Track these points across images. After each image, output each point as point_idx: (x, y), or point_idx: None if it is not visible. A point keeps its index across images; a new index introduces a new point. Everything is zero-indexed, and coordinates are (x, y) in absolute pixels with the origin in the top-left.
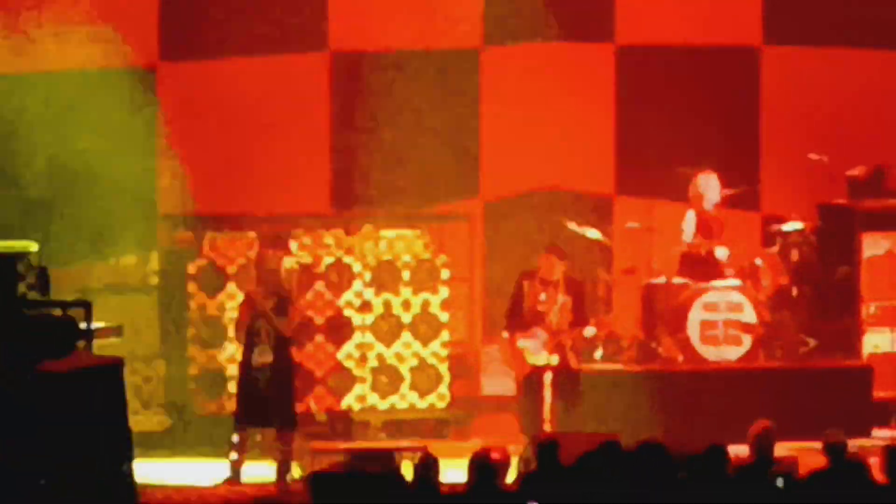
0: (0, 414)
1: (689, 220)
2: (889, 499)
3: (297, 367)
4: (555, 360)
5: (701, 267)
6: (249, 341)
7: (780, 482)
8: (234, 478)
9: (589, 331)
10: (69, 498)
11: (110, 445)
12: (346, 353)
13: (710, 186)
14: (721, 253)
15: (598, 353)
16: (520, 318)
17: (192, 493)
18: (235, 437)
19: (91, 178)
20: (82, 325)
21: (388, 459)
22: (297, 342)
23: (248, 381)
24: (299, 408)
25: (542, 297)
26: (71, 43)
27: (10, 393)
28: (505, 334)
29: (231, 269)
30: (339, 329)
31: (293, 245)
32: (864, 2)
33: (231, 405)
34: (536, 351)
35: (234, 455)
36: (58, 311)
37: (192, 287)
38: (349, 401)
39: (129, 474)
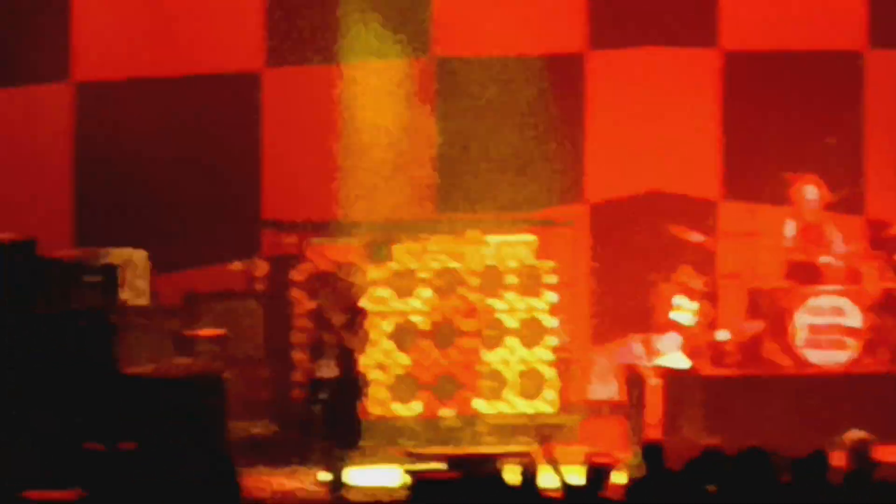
0: (100, 416)
1: (792, 225)
2: None
3: (364, 380)
4: (688, 363)
5: (805, 271)
6: (315, 354)
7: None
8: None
9: (722, 334)
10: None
11: (211, 451)
12: (452, 358)
13: (812, 191)
14: (825, 257)
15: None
16: (650, 321)
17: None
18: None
19: (196, 184)
20: (187, 332)
21: (491, 465)
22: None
23: (311, 395)
24: (405, 413)
25: (677, 300)
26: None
27: (110, 396)
28: (636, 336)
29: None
30: (444, 334)
31: (397, 250)
32: None
33: None
34: (671, 354)
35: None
36: (163, 317)
37: (296, 292)
38: (455, 406)
39: (232, 479)
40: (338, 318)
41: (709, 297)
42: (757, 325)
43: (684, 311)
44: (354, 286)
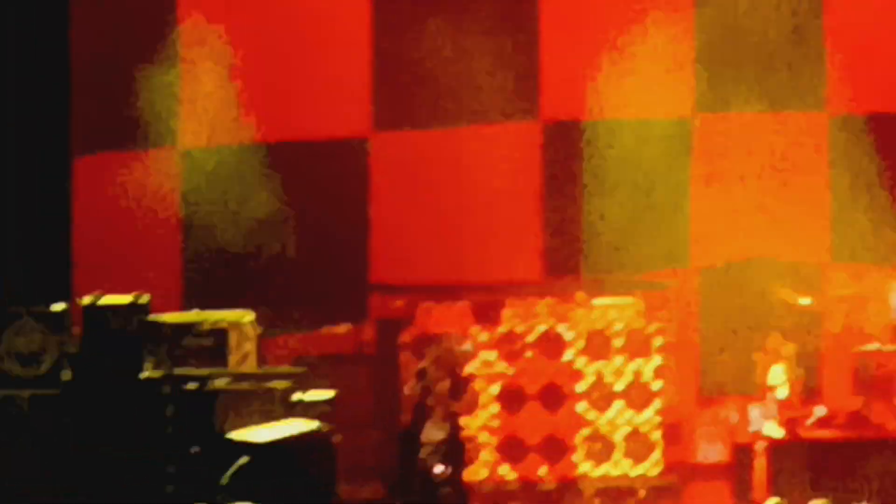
0: (209, 482)
1: None
2: None
3: (466, 444)
4: (780, 433)
5: None
6: (418, 417)
7: None
8: None
9: (820, 410)
10: None
11: None
12: (559, 421)
13: None
14: None
15: (810, 421)
16: (750, 387)
17: None
18: None
19: (305, 248)
20: (296, 396)
21: None
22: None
23: (414, 456)
24: (512, 475)
25: (775, 368)
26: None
27: (219, 461)
28: (741, 400)
29: (470, 347)
30: (553, 397)
31: (505, 313)
32: None
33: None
34: (765, 420)
35: None
36: (273, 382)
37: (404, 356)
38: (560, 468)
39: None
40: (443, 383)
41: (806, 363)
42: (823, 410)
43: (781, 380)
44: (460, 352)
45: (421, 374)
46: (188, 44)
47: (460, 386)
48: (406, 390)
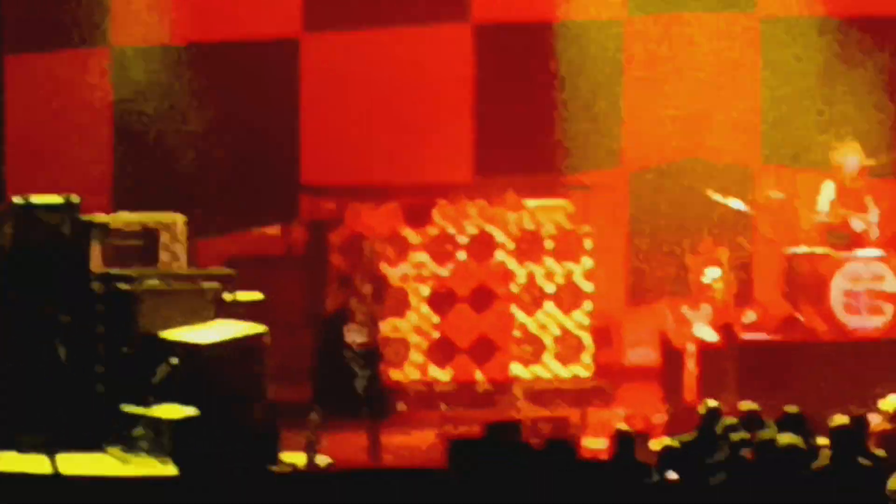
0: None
1: (828, 190)
2: None
3: (383, 350)
4: (714, 336)
5: (842, 237)
6: (341, 322)
7: None
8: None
9: (749, 316)
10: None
11: (250, 413)
12: (489, 322)
13: (850, 157)
14: (861, 223)
15: (743, 324)
16: (683, 289)
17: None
18: (314, 415)
19: (236, 149)
20: (226, 296)
21: (526, 429)
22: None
23: (338, 361)
24: (443, 377)
25: (709, 272)
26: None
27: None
28: (673, 301)
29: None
30: (482, 299)
31: (436, 215)
32: None
33: None
34: (700, 324)
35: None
36: (203, 283)
37: (335, 257)
38: (491, 370)
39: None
40: (365, 287)
41: (742, 269)
42: (753, 316)
43: (715, 282)
44: (376, 259)
45: (343, 279)
46: None
47: (383, 290)
48: (328, 294)
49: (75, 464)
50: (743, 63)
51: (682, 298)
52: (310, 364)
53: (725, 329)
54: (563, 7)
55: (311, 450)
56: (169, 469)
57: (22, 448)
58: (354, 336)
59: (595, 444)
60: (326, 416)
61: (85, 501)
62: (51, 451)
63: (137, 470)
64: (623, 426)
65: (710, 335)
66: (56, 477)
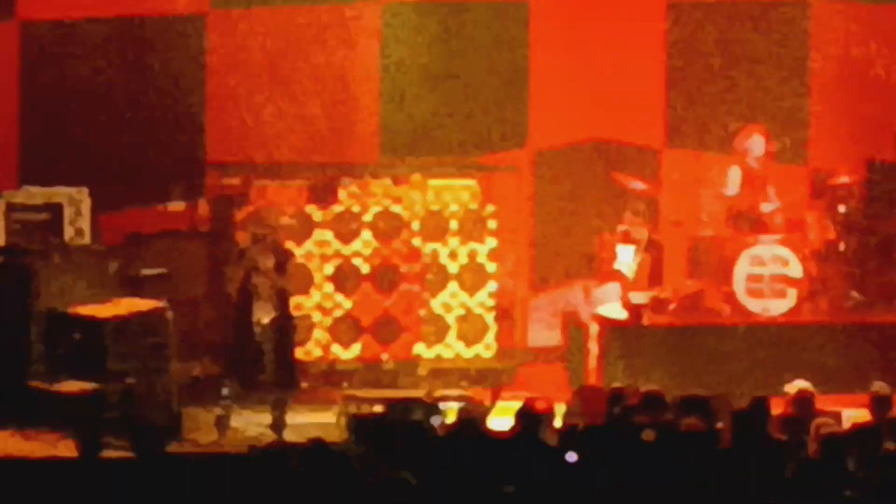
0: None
1: (735, 174)
2: None
3: (297, 322)
4: (624, 314)
5: (747, 221)
6: (245, 298)
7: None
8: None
9: (664, 292)
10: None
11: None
12: (393, 301)
13: (755, 140)
14: (767, 207)
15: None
16: (592, 269)
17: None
18: (226, 391)
19: (141, 124)
20: (130, 271)
21: (429, 408)
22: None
23: (247, 338)
24: (346, 355)
25: (621, 250)
26: None
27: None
28: (577, 284)
29: (279, 217)
30: (386, 278)
31: (341, 193)
32: None
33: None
34: (610, 303)
35: (223, 408)
36: (106, 257)
37: (239, 234)
38: (394, 349)
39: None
40: (267, 261)
41: (652, 248)
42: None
43: (625, 261)
44: (276, 230)
45: (241, 254)
46: None
47: (285, 262)
48: (227, 272)
49: None
50: (649, 44)
51: (592, 278)
52: (216, 339)
53: (634, 308)
54: None
55: (221, 426)
56: (70, 447)
57: None
58: (260, 312)
59: (498, 423)
60: (236, 392)
61: None
62: None
63: (41, 449)
64: (526, 406)
65: (619, 313)
66: None
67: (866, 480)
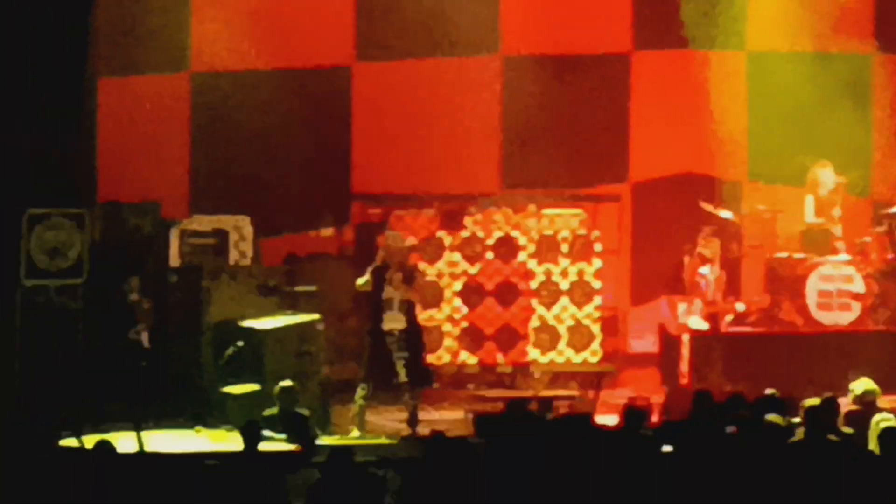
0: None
1: (809, 203)
2: None
3: (424, 329)
4: (706, 326)
5: (819, 245)
6: (378, 309)
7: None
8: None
9: (739, 306)
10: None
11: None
12: (511, 314)
13: (825, 175)
14: (836, 231)
15: (729, 318)
16: (680, 286)
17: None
18: (362, 391)
19: (296, 161)
20: (286, 288)
21: (543, 405)
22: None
23: (380, 345)
24: (471, 360)
25: (702, 270)
26: None
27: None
28: (664, 299)
29: (413, 240)
30: (506, 294)
31: (467, 220)
32: None
33: None
34: (692, 316)
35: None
36: (266, 276)
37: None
38: (513, 356)
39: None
40: (396, 276)
41: (730, 267)
42: (742, 306)
43: (707, 280)
44: (404, 247)
45: (375, 271)
46: None
47: (412, 275)
48: (357, 283)
49: (163, 441)
50: (733, 94)
51: (678, 294)
52: (359, 346)
53: (713, 320)
54: (575, 41)
55: (360, 421)
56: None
57: (112, 422)
58: (392, 322)
59: (605, 419)
60: (373, 392)
61: (175, 475)
62: (137, 426)
63: (215, 442)
64: (631, 404)
65: (700, 325)
66: (145, 453)
67: None
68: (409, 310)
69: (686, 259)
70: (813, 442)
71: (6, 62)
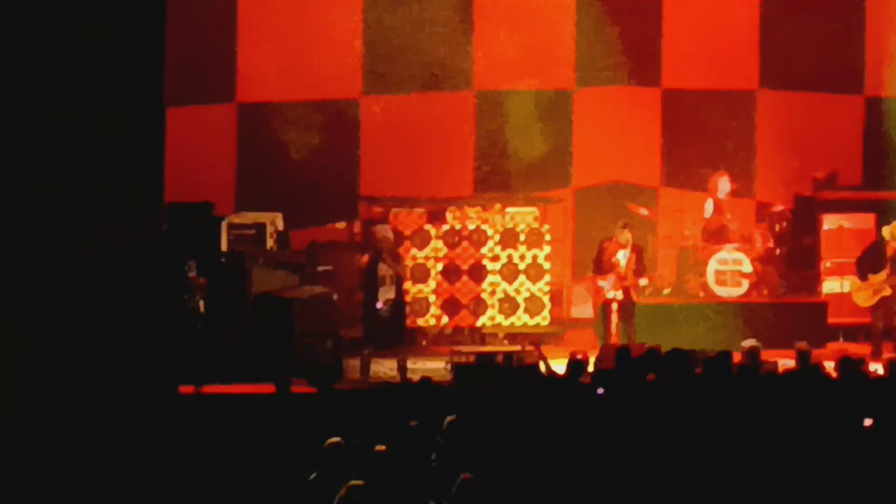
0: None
1: (709, 205)
2: (839, 390)
3: (408, 300)
4: (620, 295)
5: (716, 236)
6: (373, 284)
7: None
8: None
9: (643, 281)
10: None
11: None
12: (482, 288)
13: (722, 182)
14: (733, 225)
15: (647, 291)
16: (600, 267)
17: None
18: (368, 350)
19: (318, 170)
20: (309, 269)
21: (506, 358)
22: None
23: (374, 312)
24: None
25: (617, 254)
26: None
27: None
28: (589, 275)
29: (407, 232)
30: (477, 273)
31: (448, 216)
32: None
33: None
34: (609, 288)
35: (365, 359)
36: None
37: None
38: (483, 320)
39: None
40: (388, 258)
41: (636, 250)
42: (646, 281)
43: (620, 262)
44: (388, 238)
45: (372, 254)
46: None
47: (398, 257)
48: (358, 262)
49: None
50: (649, 124)
51: (605, 273)
52: (362, 314)
53: (626, 292)
54: (531, 78)
55: (364, 370)
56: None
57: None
58: (387, 293)
59: (554, 368)
60: (373, 349)
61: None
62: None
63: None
64: (574, 356)
65: (614, 294)
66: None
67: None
68: (397, 286)
69: (606, 245)
70: (710, 383)
71: (98, 90)
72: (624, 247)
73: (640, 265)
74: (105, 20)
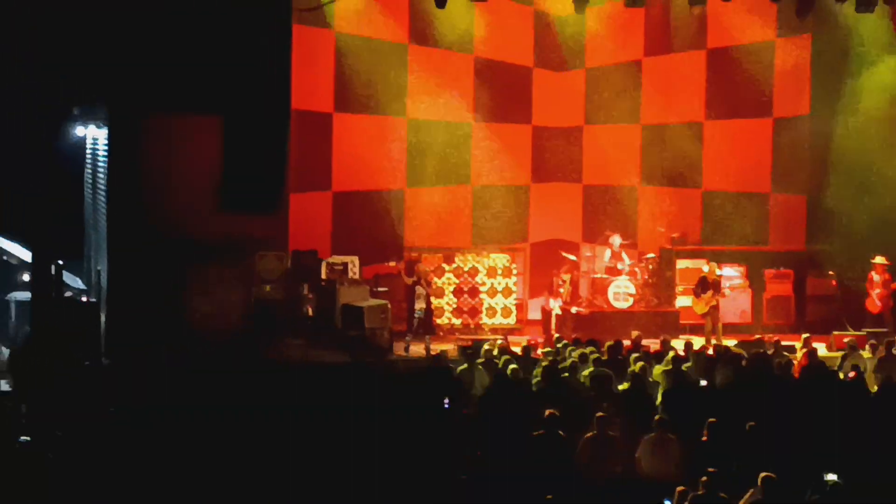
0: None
1: (607, 253)
2: (685, 361)
3: (434, 309)
4: (559, 311)
5: (613, 271)
6: (412, 298)
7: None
8: (407, 351)
9: (579, 302)
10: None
11: (382, 337)
12: (477, 300)
13: (615, 238)
14: (622, 266)
15: (574, 309)
16: (551, 292)
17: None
18: (408, 337)
19: (380, 229)
20: (374, 289)
21: (491, 343)
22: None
23: (412, 316)
24: (457, 322)
25: (560, 281)
26: None
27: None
28: (545, 296)
29: (431, 268)
30: (473, 292)
31: (456, 258)
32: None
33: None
34: (555, 305)
35: (407, 343)
36: (364, 284)
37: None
38: (476, 321)
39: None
40: (423, 283)
41: (572, 283)
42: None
43: (563, 290)
44: (422, 269)
45: (412, 281)
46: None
47: (428, 283)
48: (404, 285)
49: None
50: (574, 211)
51: (552, 294)
52: (406, 317)
53: (566, 308)
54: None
55: (406, 350)
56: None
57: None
58: (420, 304)
59: (515, 348)
60: (412, 337)
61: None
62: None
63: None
64: (528, 344)
65: (558, 310)
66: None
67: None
68: (427, 300)
69: (554, 279)
70: (611, 364)
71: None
72: (564, 282)
73: (575, 293)
74: (257, 143)
